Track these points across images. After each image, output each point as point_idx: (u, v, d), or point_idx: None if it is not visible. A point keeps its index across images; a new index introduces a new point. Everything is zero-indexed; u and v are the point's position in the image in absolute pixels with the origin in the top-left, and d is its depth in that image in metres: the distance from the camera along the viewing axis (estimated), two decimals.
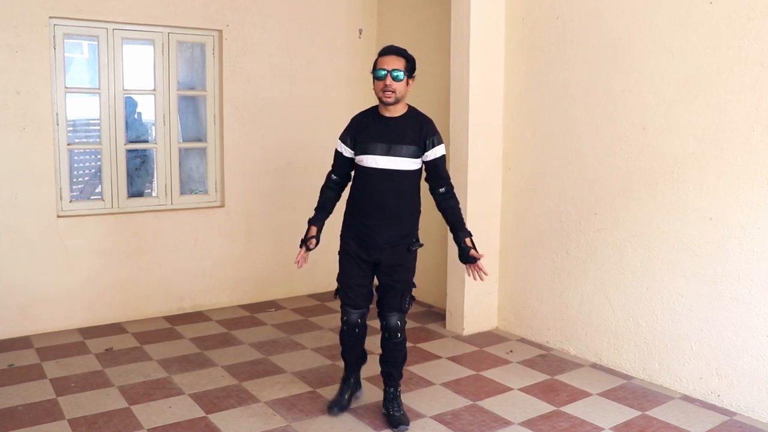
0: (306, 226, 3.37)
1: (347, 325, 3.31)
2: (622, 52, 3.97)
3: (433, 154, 3.17)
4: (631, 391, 3.78)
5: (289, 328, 4.91)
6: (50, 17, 4.57)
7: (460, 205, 3.31)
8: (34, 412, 3.43)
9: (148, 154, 5.49)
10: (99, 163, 5.06)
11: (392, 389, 3.39)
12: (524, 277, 4.70)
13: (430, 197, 3.30)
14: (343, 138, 3.28)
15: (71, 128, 5.57)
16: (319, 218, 3.34)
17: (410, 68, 3.13)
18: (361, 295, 3.27)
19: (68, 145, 4.79)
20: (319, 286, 5.80)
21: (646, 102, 3.86)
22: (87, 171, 7.81)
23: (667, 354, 3.82)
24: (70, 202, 4.84)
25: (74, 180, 6.28)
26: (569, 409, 3.56)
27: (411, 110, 3.22)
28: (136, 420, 3.35)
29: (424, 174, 3.29)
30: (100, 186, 5.06)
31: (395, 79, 3.06)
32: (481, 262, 3.22)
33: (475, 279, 3.25)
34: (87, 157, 7.82)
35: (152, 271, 5.09)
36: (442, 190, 3.23)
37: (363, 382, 3.74)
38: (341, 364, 3.67)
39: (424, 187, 3.29)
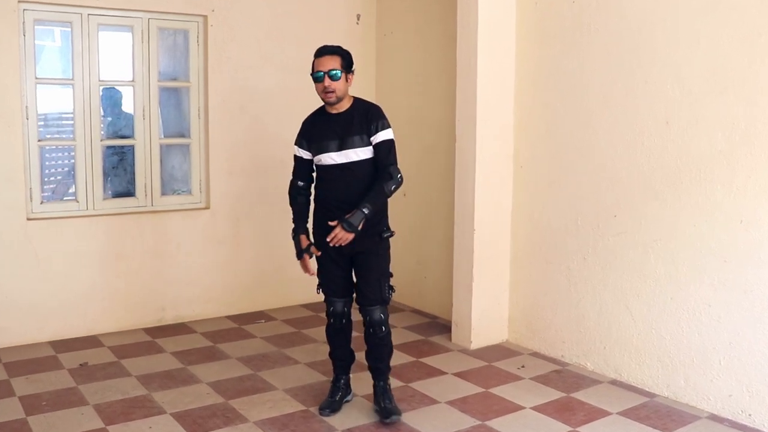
0: (291, 240, 3.65)
1: (333, 316, 3.66)
2: (644, 39, 3.98)
3: (376, 138, 3.50)
4: (654, 410, 3.79)
5: (280, 341, 4.92)
6: (19, 1, 4.59)
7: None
8: None
9: (126, 151, 5.50)
10: (73, 161, 5.07)
11: (381, 383, 3.69)
12: (537, 286, 4.70)
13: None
14: (299, 142, 3.66)
15: (42, 123, 5.57)
16: (303, 228, 3.66)
17: (347, 65, 3.49)
18: (342, 286, 3.65)
19: (39, 141, 4.81)
20: (314, 295, 5.56)
21: (670, 94, 3.87)
22: (60, 169, 7.82)
23: (694, 369, 3.82)
24: (42, 203, 4.86)
25: (46, 179, 6.29)
26: (586, 429, 3.57)
27: (356, 101, 3.59)
28: None
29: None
30: (74, 186, 5.08)
31: (333, 78, 3.43)
32: (337, 232, 3.41)
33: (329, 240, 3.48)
34: (60, 154, 7.82)
35: (131, 278, 5.10)
36: (380, 173, 3.50)
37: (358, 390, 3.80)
38: None
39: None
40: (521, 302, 4.84)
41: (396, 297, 5.61)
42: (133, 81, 5.12)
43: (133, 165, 5.22)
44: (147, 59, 5.11)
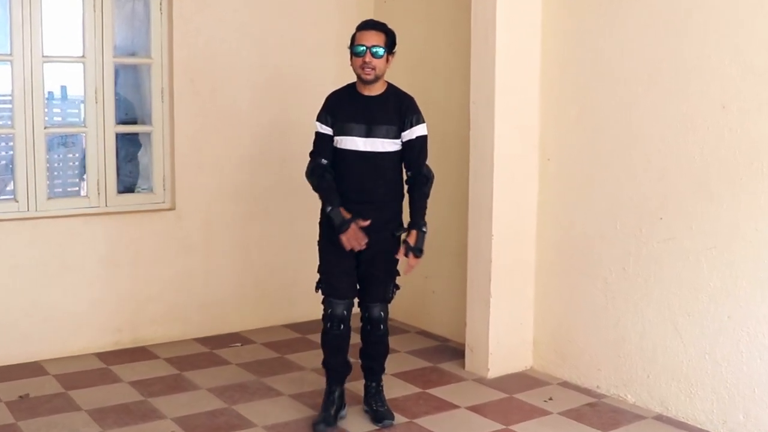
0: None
1: (331, 320, 3.87)
2: (696, 7, 3.98)
3: (410, 134, 3.81)
4: None
5: (259, 368, 4.91)
6: None
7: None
8: None
9: (74, 140, 5.51)
10: (11, 152, 5.05)
11: (374, 384, 4.06)
12: (568, 302, 4.70)
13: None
14: (323, 118, 3.89)
15: None
16: (339, 201, 3.76)
17: (390, 44, 3.79)
18: (346, 284, 3.88)
19: None
20: (299, 314, 5.79)
21: (727, 73, 3.86)
22: None
23: (755, 402, 3.81)
24: None
25: None
26: None
27: (390, 88, 3.88)
28: None
29: None
30: (12, 182, 5.06)
31: (375, 55, 3.71)
32: (413, 264, 3.81)
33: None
34: None
35: (80, 293, 5.08)
36: (409, 173, 3.87)
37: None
38: None
39: None
40: (548, 322, 4.84)
41: (400, 316, 5.65)
42: (83, 57, 5.10)
43: (83, 158, 5.19)
44: (100, 31, 5.09)
